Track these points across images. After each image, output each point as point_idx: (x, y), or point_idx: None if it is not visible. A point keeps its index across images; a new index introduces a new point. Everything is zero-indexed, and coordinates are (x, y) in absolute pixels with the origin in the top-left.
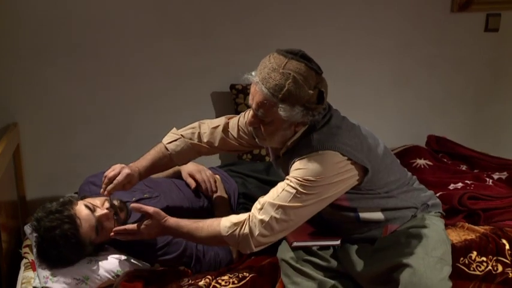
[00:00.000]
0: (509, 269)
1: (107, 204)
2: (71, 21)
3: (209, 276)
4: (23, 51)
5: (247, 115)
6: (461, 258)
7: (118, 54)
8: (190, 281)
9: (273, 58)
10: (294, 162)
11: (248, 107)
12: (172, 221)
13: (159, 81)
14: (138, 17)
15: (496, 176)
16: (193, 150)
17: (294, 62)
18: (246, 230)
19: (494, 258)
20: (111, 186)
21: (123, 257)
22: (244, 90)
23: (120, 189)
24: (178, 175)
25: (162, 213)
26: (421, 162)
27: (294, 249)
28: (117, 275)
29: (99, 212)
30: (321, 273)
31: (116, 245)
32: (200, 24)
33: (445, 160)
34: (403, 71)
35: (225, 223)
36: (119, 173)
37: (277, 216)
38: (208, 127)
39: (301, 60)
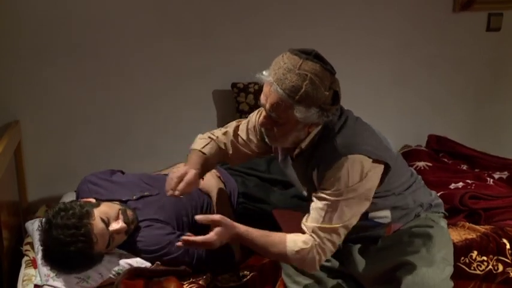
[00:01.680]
0: (510, 268)
1: (121, 217)
2: (71, 21)
3: (210, 275)
4: (23, 50)
5: (256, 117)
6: (462, 258)
7: (118, 53)
8: (191, 280)
9: (287, 58)
10: (323, 174)
11: (251, 107)
12: (242, 229)
13: (159, 81)
14: (138, 17)
15: (496, 175)
16: (221, 153)
17: (309, 63)
18: (312, 256)
19: (495, 257)
20: (182, 185)
21: (124, 256)
22: (246, 89)
23: (188, 189)
24: None
25: (228, 219)
26: (420, 164)
27: None
28: (118, 274)
29: (114, 226)
30: (322, 273)
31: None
32: (200, 24)
33: (446, 160)
34: (403, 71)
35: (291, 247)
36: (186, 173)
37: (334, 239)
38: (222, 134)
39: (316, 60)
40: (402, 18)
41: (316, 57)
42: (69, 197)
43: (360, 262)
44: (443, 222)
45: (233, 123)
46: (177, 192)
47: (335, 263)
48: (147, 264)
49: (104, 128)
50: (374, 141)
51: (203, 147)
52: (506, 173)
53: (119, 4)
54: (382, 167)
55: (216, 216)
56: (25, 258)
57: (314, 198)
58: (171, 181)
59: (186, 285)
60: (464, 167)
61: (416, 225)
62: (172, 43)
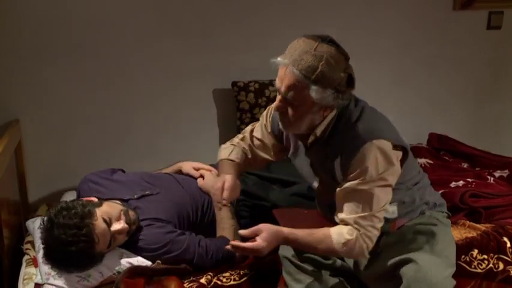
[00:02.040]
0: (511, 267)
1: (123, 217)
2: (71, 21)
3: (210, 273)
4: (23, 49)
5: (267, 114)
6: (463, 256)
7: (118, 53)
8: (191, 278)
9: (303, 42)
10: (349, 162)
11: (252, 105)
12: (286, 231)
13: (159, 80)
14: (138, 17)
15: (497, 174)
16: (245, 157)
17: (325, 45)
18: (360, 245)
19: (496, 256)
20: (226, 193)
21: (125, 254)
22: (246, 88)
23: (233, 194)
24: (179, 172)
25: (271, 225)
26: (421, 161)
27: None
28: (119, 272)
29: (116, 227)
30: (323, 270)
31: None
32: (200, 23)
33: (447, 158)
34: (403, 71)
35: (338, 240)
36: (224, 181)
37: (375, 223)
38: (240, 139)
39: (331, 44)
40: (402, 17)
41: (331, 42)
42: (70, 196)
43: (363, 260)
44: (447, 222)
45: (248, 128)
46: (224, 202)
47: (337, 261)
48: (148, 263)
49: (104, 127)
50: (392, 129)
51: (229, 155)
52: (506, 171)
53: (118, 4)
54: (401, 153)
55: (259, 226)
56: (26, 257)
57: (343, 190)
58: (216, 196)
59: (187, 283)
60: (465, 166)
61: (421, 222)
62: (172, 43)
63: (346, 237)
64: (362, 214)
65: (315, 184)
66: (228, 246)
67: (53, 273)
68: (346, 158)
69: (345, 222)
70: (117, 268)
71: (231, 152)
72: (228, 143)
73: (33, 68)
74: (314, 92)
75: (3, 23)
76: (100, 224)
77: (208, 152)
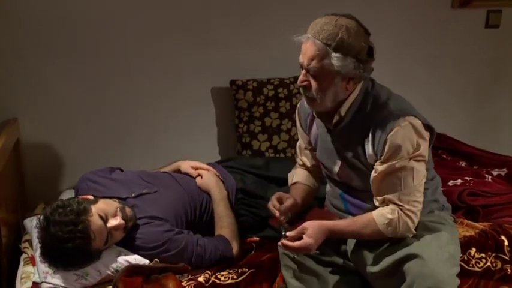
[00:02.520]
0: (508, 265)
1: (119, 214)
2: (70, 20)
3: (208, 272)
4: (23, 48)
5: (297, 109)
6: (461, 255)
7: (117, 52)
8: (189, 277)
9: (324, 18)
10: (384, 139)
11: (250, 104)
12: (329, 224)
13: (158, 80)
14: (137, 16)
15: (495, 172)
16: (307, 173)
17: (345, 18)
18: (403, 222)
19: (493, 254)
20: (284, 208)
21: (123, 253)
22: (244, 86)
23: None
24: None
25: (313, 221)
26: None
27: None
28: (117, 271)
29: (112, 223)
30: (323, 268)
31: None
32: (199, 22)
33: (445, 157)
34: (403, 71)
35: (381, 221)
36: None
37: (417, 197)
38: (299, 162)
39: (352, 18)
40: (401, 17)
41: (352, 18)
42: (68, 195)
43: (367, 255)
44: (454, 225)
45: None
46: (282, 217)
47: (338, 259)
48: (146, 261)
49: (103, 126)
50: (419, 112)
51: (292, 180)
52: (505, 170)
53: (118, 2)
54: (429, 134)
55: (303, 225)
56: (23, 256)
57: (382, 172)
58: (279, 209)
59: (185, 282)
60: (463, 164)
61: (430, 220)
62: (171, 41)
63: (389, 217)
64: (405, 190)
65: (335, 169)
66: (280, 244)
67: (50, 271)
68: (379, 136)
69: (386, 203)
70: (114, 266)
71: (293, 176)
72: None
73: (32, 67)
74: (335, 59)
75: (3, 22)
76: (96, 220)
77: (206, 151)
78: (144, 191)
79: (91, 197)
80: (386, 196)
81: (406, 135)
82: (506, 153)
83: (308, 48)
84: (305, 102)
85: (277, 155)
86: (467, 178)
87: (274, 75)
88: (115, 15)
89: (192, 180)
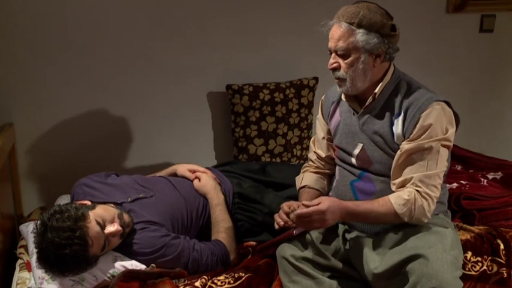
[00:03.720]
0: (504, 269)
1: (117, 220)
2: (67, 24)
3: (205, 277)
4: (18, 52)
5: (320, 101)
6: None
7: (114, 55)
8: (186, 281)
9: (346, 6)
10: (417, 118)
11: (246, 108)
12: (350, 203)
13: (154, 84)
14: (133, 21)
15: (490, 176)
16: (322, 176)
17: (367, 3)
18: (420, 204)
19: (489, 258)
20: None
21: (119, 258)
22: (240, 91)
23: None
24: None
25: (324, 197)
26: None
27: (296, 237)
28: (113, 276)
29: (109, 229)
30: (321, 272)
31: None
32: (195, 27)
33: None
34: None
35: (397, 202)
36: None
37: (437, 183)
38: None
39: (374, 3)
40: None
41: (374, 3)
42: (64, 200)
43: (370, 255)
44: (457, 229)
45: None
46: (290, 222)
47: (337, 264)
48: (142, 266)
49: (98, 130)
50: None
51: (301, 183)
52: (500, 173)
53: (114, 5)
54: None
55: (319, 198)
56: (19, 262)
57: (408, 150)
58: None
59: (182, 287)
60: (459, 168)
61: (435, 222)
62: (167, 46)
63: (405, 198)
64: (427, 172)
65: (355, 151)
66: (292, 215)
67: (46, 277)
68: (412, 115)
69: (405, 184)
70: (111, 272)
71: (302, 180)
72: (301, 172)
73: (27, 71)
74: (359, 35)
75: None
76: (93, 227)
77: (203, 155)
78: (140, 196)
79: (89, 203)
80: (406, 177)
81: (438, 117)
82: (501, 156)
83: (334, 31)
84: (329, 94)
85: (274, 160)
86: (462, 182)
87: (270, 80)
88: (111, 20)
89: (189, 184)
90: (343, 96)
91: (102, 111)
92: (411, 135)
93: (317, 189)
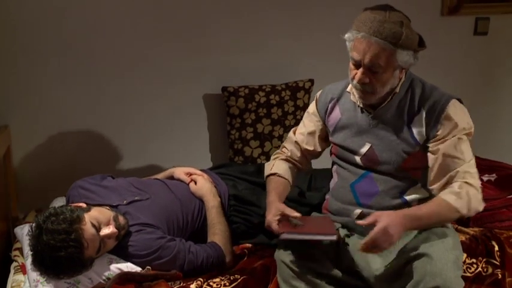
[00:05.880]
0: (499, 270)
1: (112, 222)
2: (63, 27)
3: (201, 279)
4: (14, 55)
5: (316, 98)
6: None
7: (110, 57)
8: (181, 284)
9: (371, 14)
10: (440, 113)
11: (241, 110)
12: (406, 211)
13: (150, 86)
14: (129, 23)
15: (485, 178)
16: (292, 166)
17: (394, 12)
18: (474, 192)
19: (484, 259)
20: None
21: (115, 260)
22: (236, 93)
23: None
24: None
25: (379, 212)
26: None
27: (283, 241)
28: (109, 278)
29: (105, 231)
30: (320, 279)
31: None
32: (191, 29)
33: None
34: None
35: (451, 197)
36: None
37: (475, 172)
38: (283, 147)
39: (395, 9)
40: None
41: (395, 9)
42: (59, 202)
43: (372, 258)
44: (457, 232)
45: (290, 133)
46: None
47: (337, 272)
48: (138, 269)
49: (94, 133)
50: None
51: (271, 169)
52: (494, 175)
53: (111, 7)
54: None
55: (376, 213)
56: (14, 264)
57: (444, 147)
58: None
59: None
60: None
61: None
62: (163, 48)
63: (457, 191)
64: (468, 163)
65: (362, 150)
66: (360, 248)
67: (41, 280)
68: (436, 115)
69: (450, 182)
70: (106, 274)
71: (272, 166)
72: (271, 159)
73: (23, 74)
74: (400, 55)
75: None
76: (89, 229)
77: (198, 157)
78: (136, 198)
79: (84, 205)
80: (451, 173)
81: (460, 113)
82: (496, 158)
83: (371, 47)
84: (328, 91)
85: None
86: None
87: (265, 82)
88: (106, 22)
89: (184, 186)
90: (358, 101)
91: (97, 114)
92: (438, 135)
93: (286, 179)
